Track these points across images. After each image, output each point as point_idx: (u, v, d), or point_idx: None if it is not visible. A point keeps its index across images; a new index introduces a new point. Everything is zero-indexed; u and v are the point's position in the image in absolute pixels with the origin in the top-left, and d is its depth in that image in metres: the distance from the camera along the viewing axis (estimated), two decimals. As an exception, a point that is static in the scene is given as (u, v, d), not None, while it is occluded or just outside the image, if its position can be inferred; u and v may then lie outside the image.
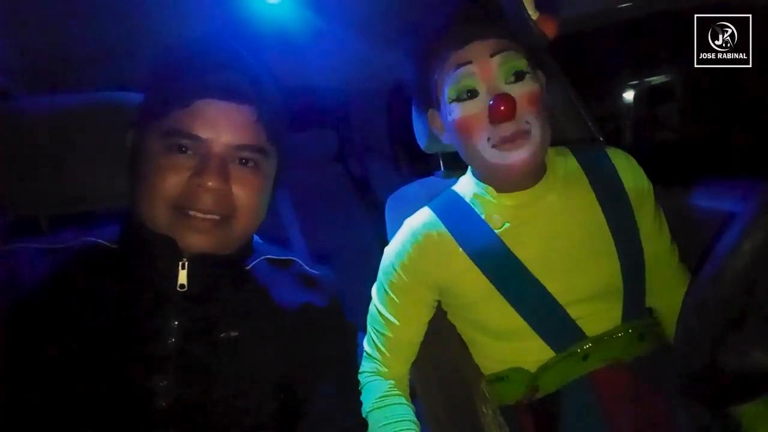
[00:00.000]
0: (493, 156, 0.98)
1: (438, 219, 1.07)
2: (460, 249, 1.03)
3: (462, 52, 0.97)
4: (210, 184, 0.77)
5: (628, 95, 2.60)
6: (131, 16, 1.26)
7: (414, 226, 1.09)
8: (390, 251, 1.12)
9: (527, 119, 0.96)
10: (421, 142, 1.34)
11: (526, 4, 0.93)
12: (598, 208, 1.05)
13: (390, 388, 1.07)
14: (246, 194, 0.82)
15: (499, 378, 1.04)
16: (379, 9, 1.42)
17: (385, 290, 1.10)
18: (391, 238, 1.30)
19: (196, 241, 0.80)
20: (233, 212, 0.82)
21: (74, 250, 0.83)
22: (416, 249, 1.06)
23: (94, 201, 1.04)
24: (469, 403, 1.05)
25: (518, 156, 0.96)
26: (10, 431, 0.72)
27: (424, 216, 1.10)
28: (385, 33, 1.55)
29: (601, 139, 1.66)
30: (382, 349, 1.09)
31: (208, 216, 0.79)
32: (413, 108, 1.32)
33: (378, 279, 1.13)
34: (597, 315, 1.00)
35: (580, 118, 1.63)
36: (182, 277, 0.81)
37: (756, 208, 0.71)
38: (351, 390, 1.00)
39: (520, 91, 0.95)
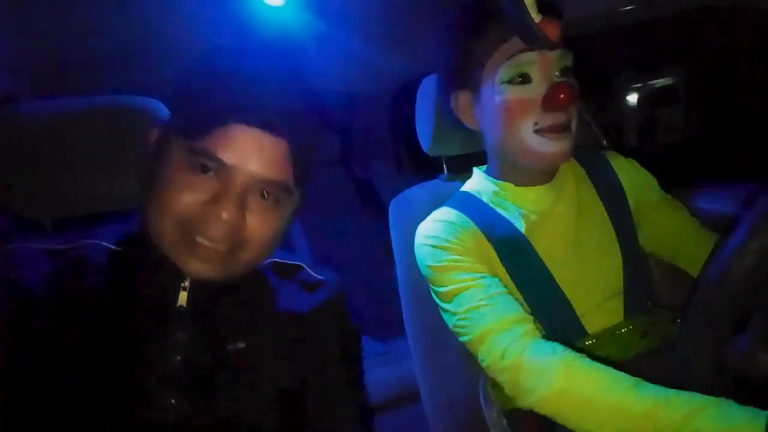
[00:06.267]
0: (536, 142, 0.99)
1: (463, 213, 1.06)
2: (487, 240, 1.03)
3: None
4: (224, 215, 0.72)
5: (632, 98, 2.60)
6: (135, 20, 1.26)
7: (446, 219, 1.05)
8: (426, 248, 1.04)
9: (572, 114, 0.99)
10: (425, 145, 1.34)
11: (528, 7, 0.93)
12: (602, 207, 1.10)
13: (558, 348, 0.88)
14: (259, 227, 0.77)
15: None
16: (382, 12, 1.43)
17: (445, 274, 1.00)
18: (395, 240, 1.30)
19: (199, 268, 0.76)
20: (242, 244, 0.77)
21: (77, 252, 0.80)
22: (457, 232, 1.03)
23: (98, 203, 1.04)
24: (473, 406, 1.05)
25: (561, 147, 0.99)
26: None
27: (450, 210, 1.08)
28: (389, 36, 1.55)
29: (605, 142, 1.66)
30: (492, 314, 0.93)
31: (215, 245, 0.75)
32: (416, 111, 1.32)
33: (430, 281, 1.04)
34: (600, 311, 1.02)
35: (584, 121, 1.63)
36: (182, 298, 0.79)
37: (764, 207, 0.71)
38: (355, 394, 0.99)
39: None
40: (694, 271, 1.12)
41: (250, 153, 0.74)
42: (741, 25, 1.83)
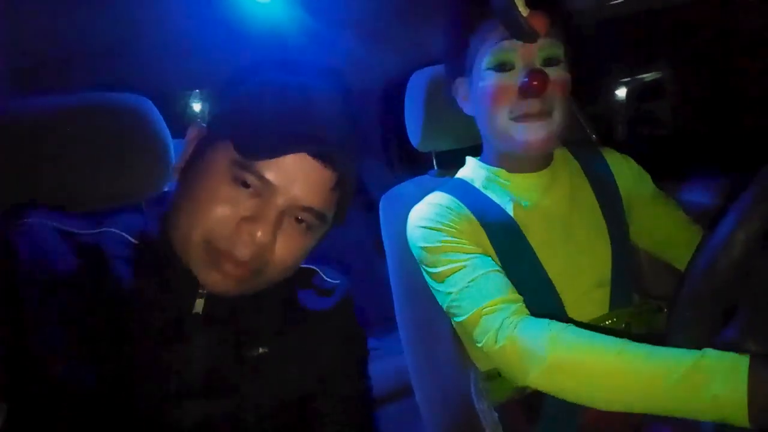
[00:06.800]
0: (513, 129, 1.01)
1: (456, 198, 1.07)
2: (479, 224, 1.04)
3: None
4: (259, 234, 0.71)
5: (620, 92, 2.62)
6: (124, 18, 1.25)
7: (440, 202, 1.06)
8: (420, 230, 1.05)
9: (552, 102, 1.00)
10: (414, 140, 1.34)
11: (516, 1, 0.93)
12: (594, 199, 1.11)
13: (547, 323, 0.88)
14: (286, 251, 0.76)
15: (491, 376, 1.05)
16: (371, 7, 1.43)
17: (438, 255, 1.01)
18: (386, 236, 1.30)
19: (218, 282, 0.74)
20: (266, 264, 0.75)
21: (96, 239, 0.76)
22: (450, 215, 1.04)
23: (92, 202, 1.03)
24: (465, 400, 1.05)
25: (537, 134, 1.00)
26: None
27: (443, 195, 1.09)
28: (378, 32, 1.55)
29: (594, 137, 1.67)
30: (484, 295, 0.94)
31: (240, 265, 0.73)
32: (406, 106, 1.32)
33: (423, 262, 1.05)
34: (585, 300, 1.03)
35: (573, 116, 1.64)
36: (199, 305, 0.77)
37: (750, 199, 0.72)
38: (361, 395, 0.97)
39: (552, 75, 0.98)
40: (683, 268, 1.14)
41: (296, 177, 0.73)
42: (729, 18, 1.84)
